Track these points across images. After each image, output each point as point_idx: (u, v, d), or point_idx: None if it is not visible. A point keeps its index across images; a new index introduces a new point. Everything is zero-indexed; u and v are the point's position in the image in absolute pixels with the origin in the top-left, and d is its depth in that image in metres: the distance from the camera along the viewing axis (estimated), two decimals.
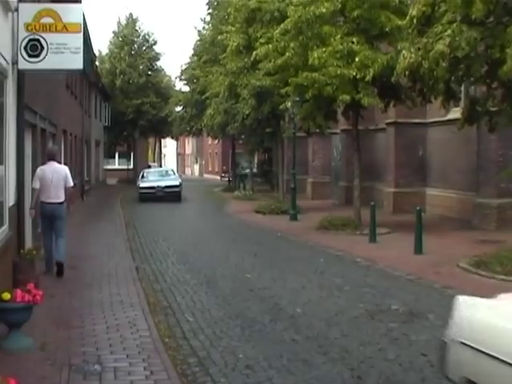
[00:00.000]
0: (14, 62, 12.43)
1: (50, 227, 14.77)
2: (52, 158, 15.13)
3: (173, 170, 49.99)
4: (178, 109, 65.57)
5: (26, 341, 8.92)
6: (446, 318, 10.96)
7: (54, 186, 14.46)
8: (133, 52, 65.21)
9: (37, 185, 14.38)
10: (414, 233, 18.37)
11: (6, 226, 11.63)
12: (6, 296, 8.74)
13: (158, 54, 67.86)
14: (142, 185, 42.10)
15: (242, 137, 49.47)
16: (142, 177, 44.65)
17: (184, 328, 10.53)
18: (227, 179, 60.48)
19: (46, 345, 8.94)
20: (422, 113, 28.77)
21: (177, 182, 42.88)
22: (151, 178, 43.82)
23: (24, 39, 12.54)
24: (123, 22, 66.52)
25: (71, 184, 15.03)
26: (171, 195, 40.77)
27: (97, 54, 55.05)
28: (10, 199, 12.09)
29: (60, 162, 16.84)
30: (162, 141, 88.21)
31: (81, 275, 14.87)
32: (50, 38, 12.69)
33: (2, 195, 11.38)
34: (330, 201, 37.67)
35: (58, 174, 14.67)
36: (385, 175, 32.09)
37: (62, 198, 14.63)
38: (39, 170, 14.79)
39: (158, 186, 41.42)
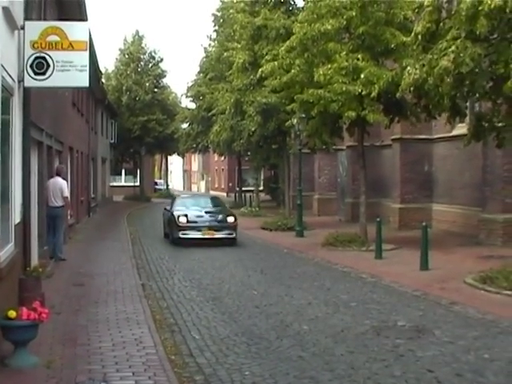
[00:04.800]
0: (20, 80, 12.46)
1: (51, 224, 18.93)
2: (58, 174, 19.72)
3: None
4: (184, 126, 65.71)
5: (31, 359, 8.91)
6: (452, 334, 11.00)
7: (53, 194, 19.01)
8: (139, 69, 65.33)
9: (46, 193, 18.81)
10: (420, 248, 18.36)
11: (11, 244, 11.62)
12: (12, 314, 8.75)
13: (164, 71, 67.98)
14: None
15: (248, 153, 49.57)
16: None
17: (190, 345, 10.52)
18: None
19: (51, 363, 8.93)
20: (427, 129, 28.81)
21: None
22: None
23: (30, 57, 12.56)
24: (129, 39, 66.72)
25: (66, 194, 19.43)
26: None
27: (103, 71, 55.12)
28: (16, 217, 12.09)
29: (65, 178, 20.46)
30: (169, 158, 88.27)
31: (87, 292, 14.86)
32: (56, 56, 12.69)
33: (8, 213, 11.38)
34: (337, 217, 37.67)
35: (56, 185, 19.15)
36: (391, 191, 32.09)
37: (59, 203, 19.14)
38: (47, 182, 18.93)
39: None
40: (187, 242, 25.45)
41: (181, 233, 25.72)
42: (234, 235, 26.24)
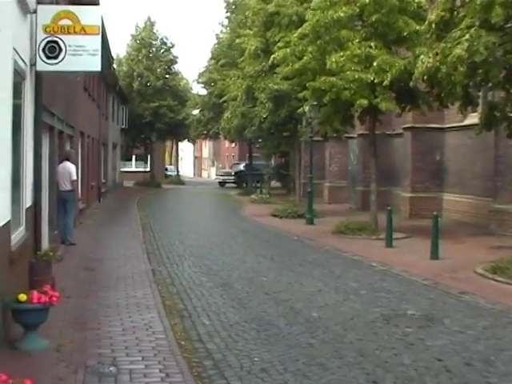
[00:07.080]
0: (33, 64, 12.46)
1: (62, 208, 19.11)
2: (66, 158, 19.71)
3: None
4: (195, 112, 65.68)
5: (41, 342, 8.94)
6: (462, 324, 10.98)
7: (63, 178, 19.16)
8: (150, 55, 65.21)
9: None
10: (431, 238, 18.33)
11: (22, 227, 11.66)
12: (23, 297, 8.77)
13: (175, 57, 67.84)
14: None
15: (259, 140, 49.56)
16: None
17: (200, 331, 10.52)
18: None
19: (61, 346, 8.95)
20: (439, 118, 28.71)
21: None
22: None
23: (42, 41, 12.55)
24: (141, 25, 66.64)
25: (74, 178, 19.50)
26: None
27: (115, 56, 55.06)
28: (27, 200, 12.12)
29: (74, 162, 20.41)
30: (179, 144, 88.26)
31: (97, 277, 14.89)
32: (68, 40, 12.68)
33: (19, 196, 11.41)
34: (347, 205, 37.57)
35: (65, 170, 19.26)
36: (402, 180, 32.00)
37: (69, 187, 19.26)
38: (58, 167, 19.00)
39: None
40: None
41: None
42: None
